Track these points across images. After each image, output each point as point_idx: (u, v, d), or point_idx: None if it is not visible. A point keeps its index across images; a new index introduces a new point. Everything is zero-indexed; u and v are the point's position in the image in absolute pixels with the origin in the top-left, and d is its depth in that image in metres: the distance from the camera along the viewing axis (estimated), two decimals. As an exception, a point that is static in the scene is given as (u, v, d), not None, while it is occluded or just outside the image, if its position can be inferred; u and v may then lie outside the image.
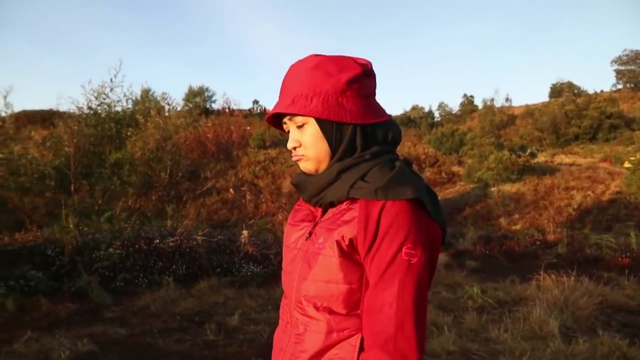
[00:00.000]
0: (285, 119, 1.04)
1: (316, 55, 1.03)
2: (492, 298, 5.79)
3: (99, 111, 7.90)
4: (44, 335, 4.18)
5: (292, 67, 1.05)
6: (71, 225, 6.09)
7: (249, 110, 42.04)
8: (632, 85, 39.23)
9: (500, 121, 33.03)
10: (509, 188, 25.57)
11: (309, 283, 0.99)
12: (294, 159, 1.07)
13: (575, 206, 21.71)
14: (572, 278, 6.28)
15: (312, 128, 1.01)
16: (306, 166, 1.05)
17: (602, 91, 39.11)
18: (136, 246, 6.60)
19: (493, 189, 26.09)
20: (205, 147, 6.95)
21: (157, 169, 7.04)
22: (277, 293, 6.22)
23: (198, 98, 41.87)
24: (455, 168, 30.29)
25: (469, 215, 23.56)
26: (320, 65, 1.00)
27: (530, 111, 36.12)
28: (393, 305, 0.88)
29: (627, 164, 24.02)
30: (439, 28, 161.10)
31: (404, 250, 0.90)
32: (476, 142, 26.14)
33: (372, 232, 0.92)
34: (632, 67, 38.64)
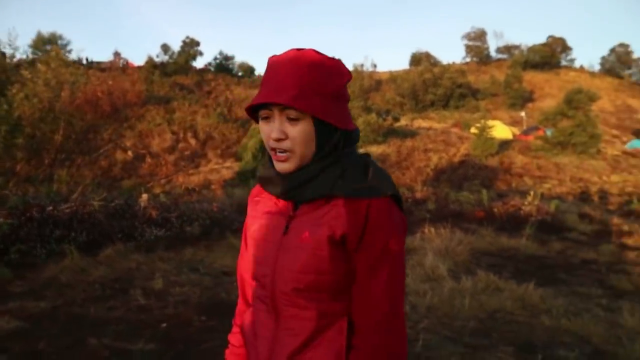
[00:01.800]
0: (274, 108, 1.00)
1: (317, 53, 1.03)
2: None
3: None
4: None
5: (288, 56, 1.02)
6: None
7: (110, 63, 38.55)
8: (478, 60, 44.60)
9: (369, 86, 35.17)
10: (375, 149, 27.62)
11: (297, 275, 1.01)
12: (274, 157, 1.04)
13: (432, 167, 24.40)
14: (448, 230, 7.43)
15: (307, 125, 1.00)
16: (288, 167, 1.03)
17: (454, 63, 43.77)
18: (27, 214, 6.09)
19: (361, 150, 27.91)
20: (99, 107, 6.44)
21: (47, 130, 6.37)
22: (186, 255, 6.33)
23: (49, 47, 37.33)
24: (326, 130, 31.76)
25: (342, 175, 25.05)
26: (322, 65, 1.01)
27: (393, 77, 38.90)
28: (385, 292, 0.99)
29: (473, 130, 27.53)
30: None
31: (390, 242, 0.99)
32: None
33: (361, 227, 0.98)
34: (478, 43, 43.78)
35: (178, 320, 3.94)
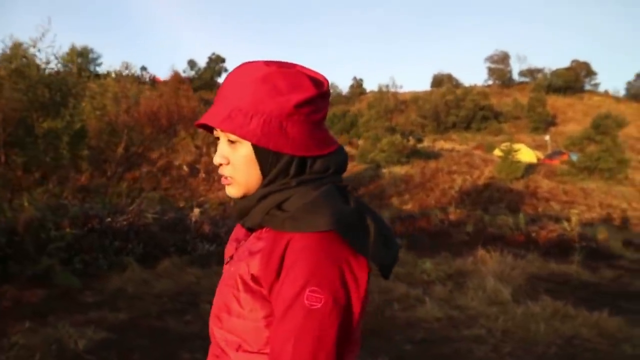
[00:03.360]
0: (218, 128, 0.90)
1: (267, 64, 0.88)
2: (439, 272, 6.57)
3: (26, 73, 7.11)
4: (37, 324, 3.90)
5: (236, 71, 0.90)
6: (25, 203, 5.52)
7: (138, 77, 39.42)
8: (500, 82, 44.64)
9: (393, 106, 35.38)
10: (399, 170, 27.65)
11: (220, 315, 0.91)
12: (222, 181, 0.94)
13: (457, 188, 24.30)
14: (498, 254, 7.37)
15: (245, 149, 0.88)
16: (233, 192, 0.92)
17: (476, 85, 43.87)
18: (89, 225, 6.19)
19: (385, 170, 27.96)
20: (158, 121, 6.55)
21: (110, 143, 6.51)
22: (242, 271, 6.36)
23: (81, 59, 38.32)
24: (347, 148, 31.87)
25: (364, 194, 25.06)
26: (268, 78, 0.86)
27: (415, 98, 39.05)
28: (288, 355, 0.77)
29: (498, 152, 27.42)
30: (331, 13, 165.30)
31: (306, 293, 0.78)
32: (371, 124, 27.69)
33: (275, 269, 0.82)
34: (501, 66, 43.90)
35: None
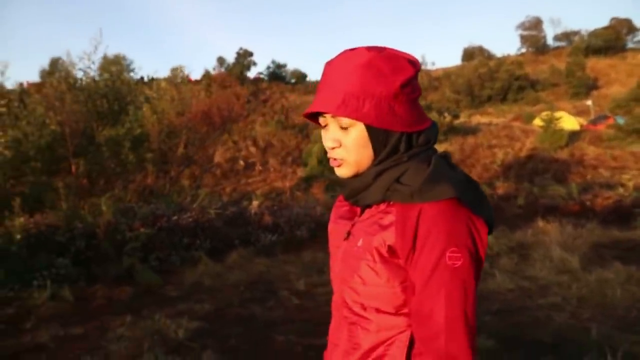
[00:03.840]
0: (327, 115, 0.98)
1: (368, 50, 0.95)
2: (501, 245, 6.59)
3: (84, 84, 7.50)
4: (135, 318, 4.20)
5: (339, 59, 0.97)
6: (104, 208, 5.88)
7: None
8: (534, 50, 43.21)
9: (427, 84, 34.89)
10: (437, 148, 27.29)
11: (354, 285, 0.98)
12: (332, 163, 1.01)
13: (499, 162, 23.80)
14: (557, 224, 7.30)
15: (358, 132, 0.95)
16: (344, 173, 1.00)
17: (509, 55, 42.68)
18: (158, 224, 6.52)
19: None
20: (211, 119, 6.82)
21: (172, 144, 6.84)
22: (306, 258, 6.56)
23: (114, 67, 39.32)
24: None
25: (405, 175, 24.84)
26: (372, 63, 0.93)
27: (447, 74, 38.30)
28: (441, 312, 0.87)
29: (538, 122, 26.69)
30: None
31: (447, 255, 0.87)
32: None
33: (411, 237, 0.89)
34: (534, 32, 42.43)
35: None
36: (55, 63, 42.34)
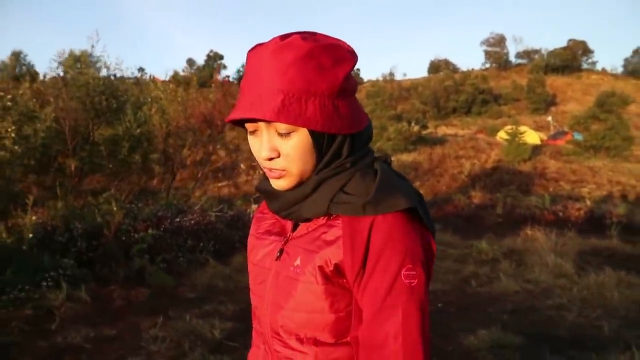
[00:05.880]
0: (258, 120, 0.81)
1: (303, 39, 0.79)
2: (495, 251, 6.95)
3: (80, 81, 7.42)
4: (165, 319, 4.22)
5: (270, 50, 0.78)
6: (114, 208, 5.82)
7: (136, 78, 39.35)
8: (497, 65, 45.13)
9: (398, 95, 35.75)
10: (406, 157, 27.95)
11: (288, 313, 0.85)
12: (270, 175, 0.85)
13: (466, 173, 24.67)
14: (542, 232, 7.76)
15: (301, 139, 0.80)
16: (284, 185, 0.85)
17: (473, 69, 44.32)
18: (162, 226, 6.50)
19: (392, 158, 28.22)
20: (213, 122, 6.80)
21: (177, 146, 6.80)
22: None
23: (79, 64, 38.14)
24: (351, 140, 32.15)
25: (376, 183, 25.29)
26: (312, 54, 0.77)
27: (415, 85, 39.35)
28: (399, 337, 0.76)
29: (503, 135, 27.84)
30: (330, 8, 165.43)
31: (403, 272, 0.77)
32: (376, 114, 27.99)
33: (362, 254, 0.79)
34: (498, 49, 44.38)
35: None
36: (16, 56, 40.45)
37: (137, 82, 8.53)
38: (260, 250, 0.95)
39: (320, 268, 0.82)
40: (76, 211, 6.58)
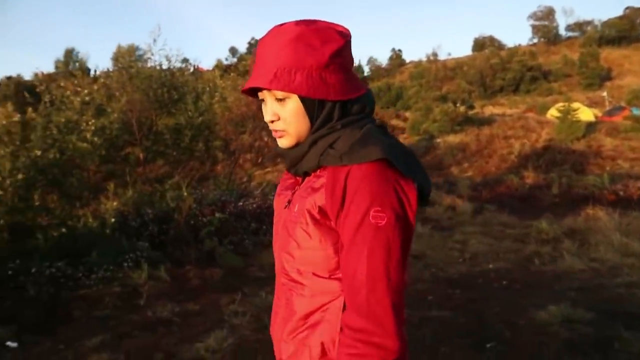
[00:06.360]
0: (264, 90, 1.01)
1: (296, 24, 0.98)
2: (555, 231, 6.87)
3: (144, 75, 7.79)
4: (243, 296, 4.50)
5: (269, 35, 1.00)
6: (185, 193, 6.18)
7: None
8: (546, 40, 43.22)
9: (443, 75, 35.07)
10: (453, 139, 27.45)
11: (290, 250, 1.01)
12: (274, 135, 1.05)
13: (516, 153, 24.02)
14: (604, 212, 7.58)
15: (293, 104, 0.98)
16: (285, 143, 1.03)
17: (520, 45, 42.67)
18: (227, 210, 6.82)
19: (439, 140, 27.83)
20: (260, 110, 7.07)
21: (237, 133, 7.15)
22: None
23: (127, 58, 39.45)
24: (394, 121, 31.75)
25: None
26: (302, 36, 0.96)
27: (459, 65, 38.39)
28: (363, 270, 0.89)
29: (554, 113, 26.87)
30: None
31: (371, 213, 0.89)
32: (421, 95, 27.58)
33: (339, 198, 0.92)
34: (546, 22, 42.40)
35: (440, 292, 4.44)
36: (69, 53, 42.27)
37: (193, 73, 8.85)
38: (277, 204, 1.15)
39: (308, 211, 0.97)
40: (145, 197, 7.01)
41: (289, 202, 1.07)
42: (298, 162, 1.03)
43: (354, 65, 1.07)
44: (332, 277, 0.98)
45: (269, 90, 0.99)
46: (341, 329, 0.94)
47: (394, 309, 0.89)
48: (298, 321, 1.01)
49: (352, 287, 0.91)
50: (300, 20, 1.00)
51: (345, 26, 1.03)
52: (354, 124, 1.00)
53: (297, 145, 1.03)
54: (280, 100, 0.99)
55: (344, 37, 1.00)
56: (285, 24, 1.00)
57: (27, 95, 7.16)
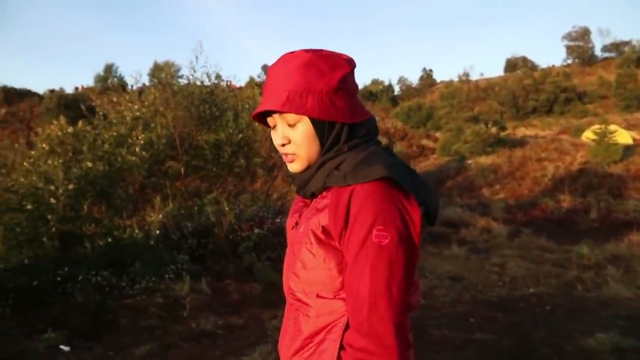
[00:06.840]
0: (275, 115, 1.03)
1: (306, 52, 1.03)
2: (597, 256, 6.72)
3: (186, 91, 8.03)
4: (282, 312, 4.56)
5: (280, 62, 1.04)
6: (226, 208, 6.32)
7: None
8: (581, 61, 42.50)
9: (475, 96, 34.85)
10: (484, 160, 27.12)
11: (296, 271, 1.03)
12: (285, 159, 1.07)
13: (550, 176, 23.54)
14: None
15: (305, 127, 1.01)
16: (296, 167, 1.06)
17: (553, 66, 42.07)
18: (265, 226, 6.92)
19: (470, 161, 27.53)
20: None
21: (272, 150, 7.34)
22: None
23: (163, 73, 40.62)
24: (424, 141, 31.60)
25: (452, 186, 24.85)
26: (312, 62, 1.00)
27: (491, 85, 38.08)
28: (365, 288, 0.90)
29: (590, 135, 26.27)
30: (398, 5, 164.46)
31: (374, 232, 0.90)
32: (452, 116, 27.42)
33: (343, 217, 0.94)
34: (581, 43, 41.75)
35: (481, 315, 4.40)
36: (109, 69, 43.86)
37: (232, 90, 9.10)
38: (288, 225, 1.18)
39: (312, 231, 0.99)
40: (185, 211, 7.19)
41: (297, 223, 1.10)
42: (306, 184, 1.06)
43: (358, 90, 1.11)
44: (336, 297, 0.99)
45: (280, 114, 1.02)
46: (344, 348, 0.96)
47: (395, 328, 0.89)
48: (304, 340, 1.02)
49: (355, 305, 0.92)
50: (309, 48, 1.05)
51: (349, 56, 1.09)
52: (360, 146, 1.02)
53: (307, 168, 1.05)
54: (291, 125, 1.02)
55: (350, 64, 1.05)
56: (295, 51, 1.04)
57: (83, 108, 7.48)
